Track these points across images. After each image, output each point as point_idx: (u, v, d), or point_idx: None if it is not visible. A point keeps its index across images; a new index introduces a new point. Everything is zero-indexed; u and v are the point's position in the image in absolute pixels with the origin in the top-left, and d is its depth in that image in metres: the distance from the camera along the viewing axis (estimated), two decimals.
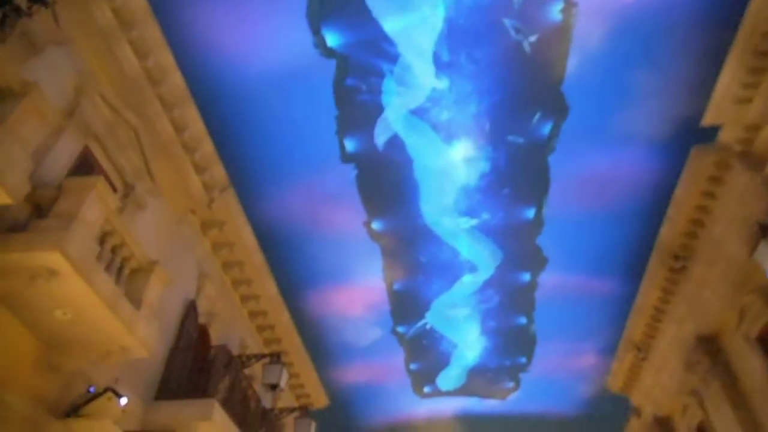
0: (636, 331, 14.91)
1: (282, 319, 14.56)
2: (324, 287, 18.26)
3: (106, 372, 7.46)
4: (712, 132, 11.71)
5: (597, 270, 17.67)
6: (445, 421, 26.58)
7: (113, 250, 6.59)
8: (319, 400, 18.33)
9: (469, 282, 18.77)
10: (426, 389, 24.78)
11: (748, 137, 9.49)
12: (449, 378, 24.59)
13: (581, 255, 17.25)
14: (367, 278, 18.32)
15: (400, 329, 21.04)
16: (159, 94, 8.56)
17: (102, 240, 6.35)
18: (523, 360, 22.76)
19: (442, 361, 23.34)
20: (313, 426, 13.57)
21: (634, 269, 17.00)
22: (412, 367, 23.27)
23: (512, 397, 24.92)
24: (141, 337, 6.61)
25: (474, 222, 16.26)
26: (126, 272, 6.83)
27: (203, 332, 10.65)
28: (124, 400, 6.91)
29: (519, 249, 17.29)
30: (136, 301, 6.74)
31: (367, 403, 24.70)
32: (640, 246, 15.81)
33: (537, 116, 12.08)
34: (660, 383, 14.74)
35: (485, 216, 15.93)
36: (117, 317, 6.13)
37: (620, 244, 16.32)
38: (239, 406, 11.13)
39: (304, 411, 13.80)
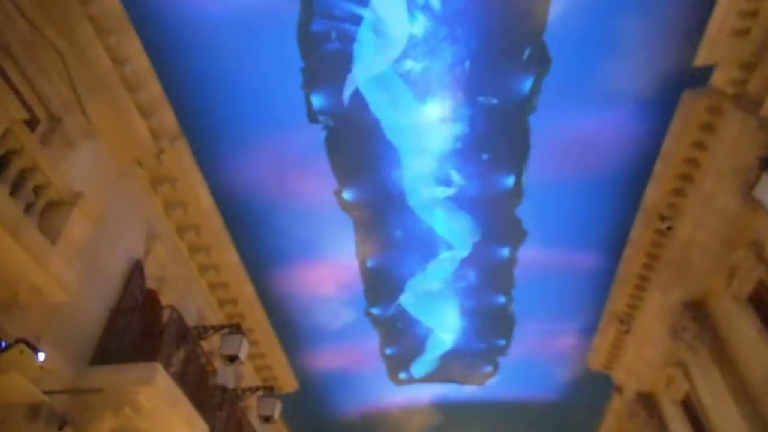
0: (619, 302, 14.25)
1: (245, 291, 13.49)
2: (292, 264, 17.21)
3: (26, 328, 6.39)
4: (703, 84, 11.09)
5: (579, 243, 16.99)
6: (422, 409, 25.74)
7: (23, 175, 5.54)
8: (288, 383, 17.28)
9: (446, 259, 17.94)
10: (402, 375, 23.88)
11: (743, 77, 8.83)
12: (426, 363, 23.75)
13: (562, 227, 16.55)
14: (339, 254, 17.33)
15: (374, 311, 20.10)
16: (89, 15, 7.45)
17: (7, 160, 5.31)
18: (502, 342, 22.04)
19: (419, 345, 22.48)
20: (278, 405, 12.57)
21: (617, 240, 16.33)
22: (388, 351, 22.36)
23: (490, 382, 24.19)
24: (55, 275, 5.56)
25: (450, 192, 15.41)
26: (41, 203, 5.78)
27: (152, 297, 9.57)
28: (41, 356, 5.85)
29: (497, 222, 16.51)
30: (52, 235, 5.70)
31: (341, 391, 23.70)
32: (624, 214, 15.15)
33: (526, 53, 11.23)
34: (643, 357, 14.11)
35: (462, 184, 15.10)
36: (21, 246, 5.09)
37: (603, 213, 15.66)
38: (195, 382, 10.09)
39: (269, 390, 12.80)
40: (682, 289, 11.75)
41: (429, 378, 24.45)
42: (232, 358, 10.46)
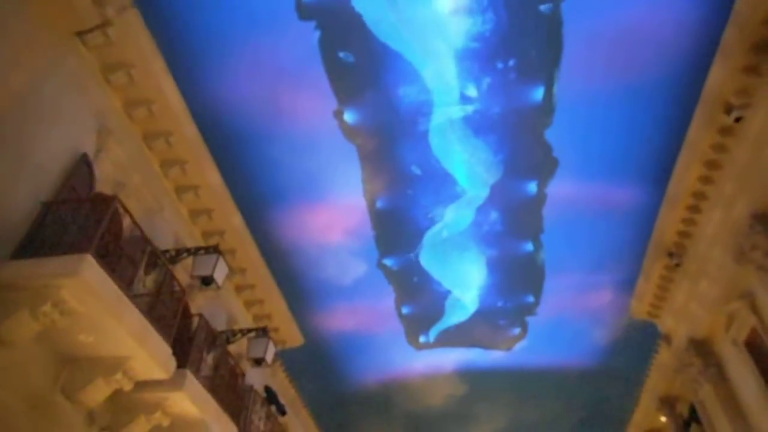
0: (668, 230, 12.10)
1: (233, 222, 11.83)
2: (291, 205, 15.45)
3: None
4: None
5: (618, 172, 14.78)
6: (445, 377, 23.90)
7: None
8: (292, 336, 15.65)
9: (465, 197, 16.01)
10: (422, 339, 22.06)
11: None
12: (447, 325, 21.91)
13: (599, 152, 14.37)
14: (345, 193, 15.51)
15: (387, 262, 18.29)
16: None
17: None
18: (530, 299, 20.01)
19: (438, 304, 20.61)
20: (272, 347, 10.96)
21: (664, 166, 14.16)
22: (405, 311, 20.55)
23: (519, 346, 22.17)
24: None
25: (468, 109, 13.45)
26: None
27: (103, 199, 7.94)
28: None
29: (524, 149, 14.41)
30: None
31: (356, 356, 22.02)
32: (675, 131, 12.94)
33: None
34: (697, 294, 11.96)
35: (481, 100, 13.10)
36: None
37: (652, 130, 13.46)
38: (170, 314, 8.49)
39: (263, 331, 11.19)
40: (750, 199, 9.61)
41: (451, 342, 22.58)
42: (207, 280, 8.81)
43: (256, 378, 12.71)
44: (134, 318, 6.64)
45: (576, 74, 12.51)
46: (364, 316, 20.13)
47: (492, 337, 21.89)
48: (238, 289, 13.11)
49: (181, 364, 8.08)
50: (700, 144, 10.36)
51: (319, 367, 21.22)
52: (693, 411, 14.34)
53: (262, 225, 14.94)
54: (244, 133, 13.09)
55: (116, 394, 7.62)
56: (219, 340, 10.59)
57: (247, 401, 10.76)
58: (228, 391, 10.08)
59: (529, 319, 20.84)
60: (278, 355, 15.68)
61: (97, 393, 6.95)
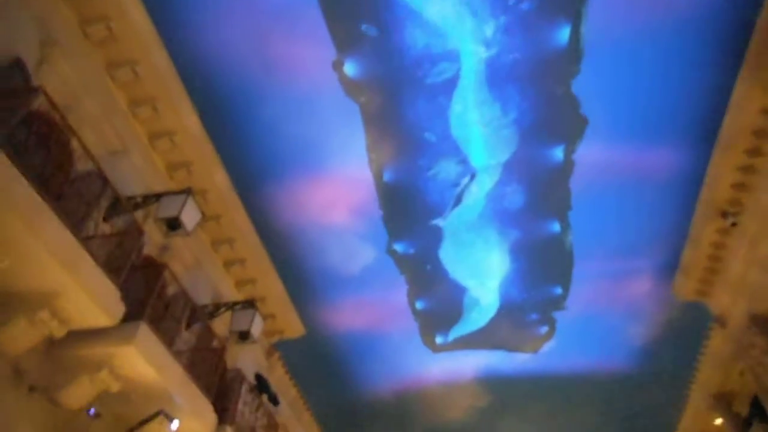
0: (721, 183, 10.35)
1: (215, 179, 10.44)
2: (288, 177, 14.03)
3: None
4: None
5: (656, 133, 13.21)
6: (466, 385, 21.95)
7: None
8: (291, 326, 14.07)
9: (484, 168, 14.49)
10: (438, 339, 20.28)
11: None
12: (466, 322, 20.14)
13: (633, 107, 12.80)
14: (347, 162, 14.08)
15: (397, 247, 16.74)
16: None
17: None
18: (558, 291, 18.19)
19: (456, 297, 18.92)
20: (259, 320, 9.47)
21: (709, 126, 12.50)
22: (419, 305, 18.86)
23: (546, 347, 20.23)
24: None
25: (484, 56, 12.07)
26: None
27: (47, 120, 6.59)
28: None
29: (548, 103, 12.93)
30: None
31: (367, 360, 20.29)
32: (724, 83, 11.21)
33: None
34: (760, 259, 10.10)
35: (499, 42, 11.73)
36: None
37: (694, 83, 11.88)
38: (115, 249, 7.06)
39: (249, 303, 9.74)
40: None
41: (471, 344, 20.73)
42: (173, 224, 7.39)
43: (248, 368, 11.19)
44: (60, 236, 5.27)
45: (606, 11, 11.09)
46: (373, 312, 18.50)
47: (516, 338, 20.02)
48: (227, 264, 11.69)
49: (137, 318, 6.65)
50: (762, 71, 8.76)
51: (325, 370, 19.54)
52: (755, 405, 12.35)
53: (255, 201, 13.49)
54: (230, 89, 11.83)
55: (50, 346, 6.22)
56: (200, 313, 9.15)
57: (234, 386, 9.25)
58: (210, 372, 8.60)
59: (557, 315, 18.96)
60: (276, 348, 14.15)
61: (20, 336, 5.56)
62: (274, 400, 10.89)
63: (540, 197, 14.90)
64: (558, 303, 18.31)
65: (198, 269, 10.49)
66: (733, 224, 10.12)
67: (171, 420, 6.79)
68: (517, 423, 23.44)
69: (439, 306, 18.73)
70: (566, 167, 14.03)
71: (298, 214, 14.97)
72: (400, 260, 16.79)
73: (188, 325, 9.21)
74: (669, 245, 15.05)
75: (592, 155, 13.66)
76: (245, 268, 11.90)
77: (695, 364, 14.88)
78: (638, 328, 18.76)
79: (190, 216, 7.56)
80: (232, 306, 9.91)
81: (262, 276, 12.34)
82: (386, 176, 14.36)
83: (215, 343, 9.09)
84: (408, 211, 15.35)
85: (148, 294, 7.03)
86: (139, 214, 7.85)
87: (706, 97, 11.95)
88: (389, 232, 15.87)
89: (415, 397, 22.01)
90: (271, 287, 12.75)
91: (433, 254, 16.69)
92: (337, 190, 14.62)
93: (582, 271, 17.09)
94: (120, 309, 6.18)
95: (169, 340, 7.74)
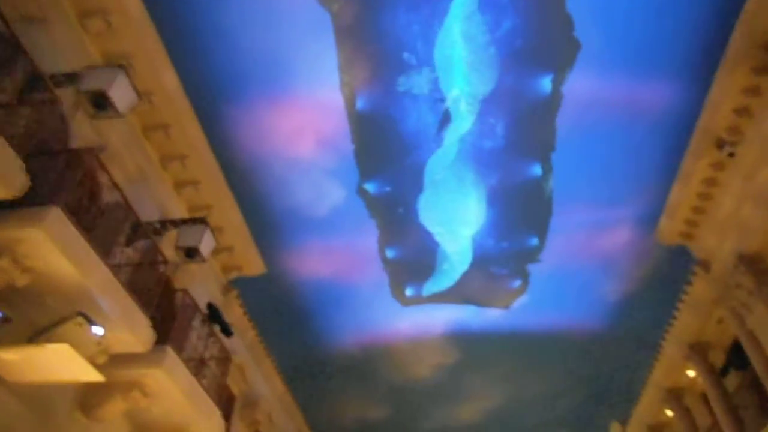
0: (723, 108, 9.48)
1: (163, 81, 9.15)
2: (251, 99, 12.64)
3: None
4: None
5: (653, 64, 12.35)
6: (434, 341, 21.24)
7: None
8: (250, 261, 12.94)
9: (466, 96, 13.46)
10: (408, 292, 19.45)
11: None
12: (438, 275, 19.36)
13: (629, 36, 11.91)
14: (317, 83, 12.80)
15: (368, 187, 15.69)
16: None
17: None
18: (534, 242, 17.46)
19: (428, 246, 18.10)
20: (209, 236, 8.34)
21: (711, 59, 11.61)
22: (389, 254, 17.92)
23: (519, 303, 19.63)
24: None
25: None
26: None
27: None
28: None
29: (540, 20, 11.93)
30: None
31: (333, 312, 19.32)
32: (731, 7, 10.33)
33: None
34: (754, 193, 9.36)
35: None
36: None
37: (699, 5, 10.94)
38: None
39: (200, 220, 8.58)
40: None
41: (442, 297, 19.99)
42: (100, 101, 6.09)
43: (200, 296, 10.03)
44: None
45: None
46: (341, 259, 17.48)
47: (488, 292, 19.34)
48: (179, 185, 10.42)
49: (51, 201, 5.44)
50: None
51: (287, 319, 18.51)
52: (733, 353, 11.92)
53: (211, 121, 11.99)
54: None
55: None
56: (145, 229, 7.94)
57: (181, 309, 8.15)
58: (152, 289, 7.46)
59: (531, 268, 18.30)
60: (233, 286, 13.03)
61: None
62: (226, 331, 9.84)
63: (523, 135, 13.98)
64: (533, 255, 17.61)
65: (144, 184, 9.22)
66: (731, 155, 9.37)
67: (92, 324, 5.66)
68: (484, 382, 22.96)
69: (410, 255, 17.84)
70: (554, 101, 13.11)
71: (260, 143, 13.73)
72: (371, 202, 15.75)
73: (131, 242, 8.03)
74: (654, 193, 14.33)
75: (582, 87, 12.75)
76: (199, 192, 10.67)
77: (669, 318, 14.37)
78: (613, 283, 18.25)
79: (122, 94, 6.28)
80: (180, 223, 8.73)
81: (219, 203, 11.12)
82: (359, 104, 13.20)
83: (160, 260, 7.94)
84: (381, 147, 14.27)
85: (65, 180, 5.82)
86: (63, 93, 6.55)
87: (711, 21, 11.10)
88: (360, 169, 14.77)
89: (382, 352, 21.23)
90: (229, 216, 11.55)
91: (407, 197, 15.70)
92: (305, 117, 13.41)
93: (560, 221, 16.36)
94: (23, 182, 4.99)
95: (105, 252, 6.57)
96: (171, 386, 7.53)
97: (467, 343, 21.20)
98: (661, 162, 13.68)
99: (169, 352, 7.45)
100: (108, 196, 7.24)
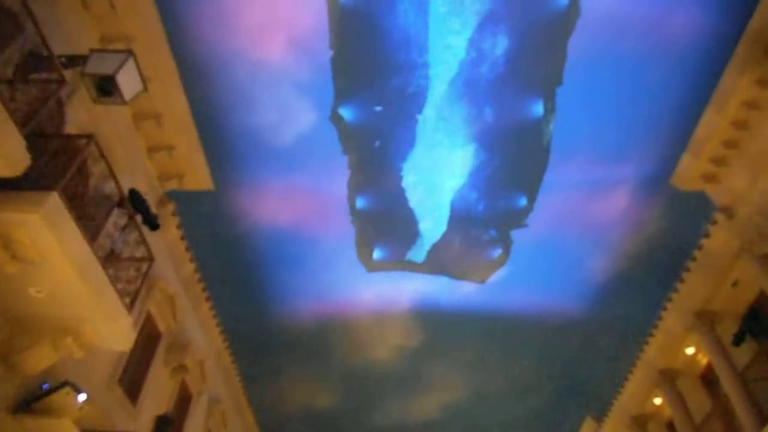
0: None
1: None
2: None
3: None
4: None
5: None
6: (398, 318, 19.05)
7: None
8: (196, 172, 10.46)
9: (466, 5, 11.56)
10: (376, 254, 17.30)
11: None
12: (413, 235, 17.27)
13: None
14: None
15: (344, 112, 13.56)
16: None
17: None
18: (523, 201, 15.61)
19: (404, 196, 16.03)
20: (133, 68, 6.07)
21: None
22: (360, 204, 15.77)
23: (496, 277, 17.72)
24: None
25: None
26: None
27: None
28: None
29: None
30: None
31: (289, 271, 16.95)
32: None
33: None
34: None
35: None
36: None
37: None
38: None
39: (125, 51, 6.28)
40: None
41: (414, 266, 17.96)
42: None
43: (125, 180, 7.59)
44: None
45: None
46: (304, 203, 15.17)
47: (465, 260, 17.36)
48: (104, 40, 8.06)
49: None
50: None
51: (237, 274, 16.05)
52: (751, 317, 10.23)
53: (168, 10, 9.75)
54: None
55: None
56: (46, 60, 5.58)
57: (82, 154, 5.78)
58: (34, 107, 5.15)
59: (515, 235, 16.50)
60: (170, 197, 10.51)
61: None
62: (151, 223, 7.44)
63: (527, 60, 12.19)
64: (520, 218, 15.77)
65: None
66: None
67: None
68: (447, 369, 20.84)
69: (382, 207, 15.73)
70: (569, 17, 11.38)
71: (221, 36, 11.47)
72: (345, 132, 13.61)
73: (29, 74, 5.68)
74: (667, 145, 12.71)
75: (604, 4, 11.08)
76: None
77: (658, 311, 12.46)
78: (601, 260, 16.57)
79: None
80: (99, 52, 6.37)
81: (159, 77, 8.73)
82: None
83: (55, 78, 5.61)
84: (364, 59, 12.21)
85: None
86: None
87: None
88: (337, 86, 12.66)
89: (339, 327, 18.91)
90: (171, 101, 9.16)
91: (386, 129, 13.66)
92: (278, 8, 11.26)
93: (554, 178, 14.60)
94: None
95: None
96: (54, 249, 5.14)
97: (433, 323, 19.14)
98: (683, 103, 12.10)
99: (54, 198, 5.09)
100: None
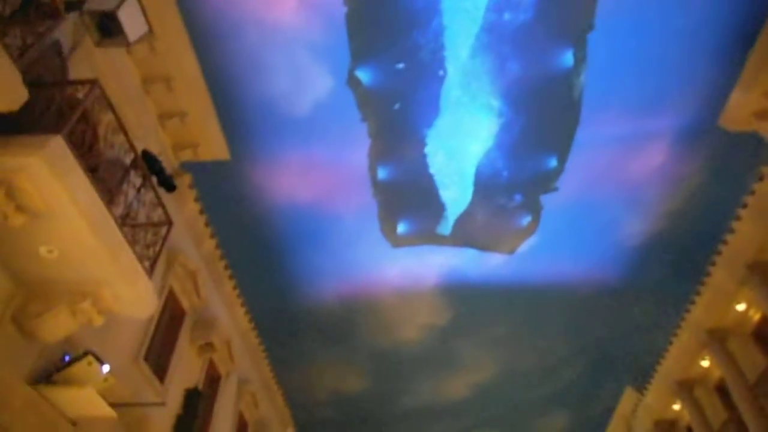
0: None
1: None
2: None
3: None
4: None
5: None
6: (425, 295, 18.40)
7: None
8: (210, 141, 9.86)
9: None
10: (401, 228, 16.66)
11: None
12: (439, 206, 16.59)
13: None
14: None
15: (361, 74, 12.91)
16: None
17: None
18: (553, 162, 14.87)
19: (426, 164, 15.34)
20: (133, 4, 5.55)
21: None
22: (381, 174, 15.12)
23: (525, 247, 16.97)
24: None
25: None
26: None
27: None
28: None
29: None
30: None
31: (311, 250, 16.40)
32: None
33: None
34: None
35: None
36: None
37: None
38: None
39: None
40: None
41: (440, 239, 17.33)
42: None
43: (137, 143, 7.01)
44: None
45: None
46: (325, 176, 14.53)
47: (493, 230, 16.62)
48: None
49: None
50: None
51: (259, 257, 15.52)
52: None
53: None
54: None
55: None
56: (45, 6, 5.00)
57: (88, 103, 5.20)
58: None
59: (545, 200, 15.76)
60: (186, 168, 9.93)
61: None
62: (167, 184, 6.90)
63: (555, 4, 11.42)
64: (549, 181, 15.02)
65: None
66: None
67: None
68: (477, 347, 20.21)
69: (406, 177, 15.06)
70: None
71: (232, 4, 10.86)
72: (364, 97, 12.95)
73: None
74: (709, 91, 11.88)
75: None
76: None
77: (701, 273, 11.59)
78: (636, 221, 15.78)
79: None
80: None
81: (167, 40, 8.13)
82: None
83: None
84: (380, 12, 11.52)
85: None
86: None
87: None
88: (353, 47, 11.98)
89: (365, 307, 18.33)
90: (181, 62, 8.55)
91: (407, 89, 12.97)
92: None
93: (586, 135, 13.83)
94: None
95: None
96: (61, 198, 4.58)
97: (461, 299, 18.48)
98: (725, 46, 11.26)
99: (58, 141, 4.51)
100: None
